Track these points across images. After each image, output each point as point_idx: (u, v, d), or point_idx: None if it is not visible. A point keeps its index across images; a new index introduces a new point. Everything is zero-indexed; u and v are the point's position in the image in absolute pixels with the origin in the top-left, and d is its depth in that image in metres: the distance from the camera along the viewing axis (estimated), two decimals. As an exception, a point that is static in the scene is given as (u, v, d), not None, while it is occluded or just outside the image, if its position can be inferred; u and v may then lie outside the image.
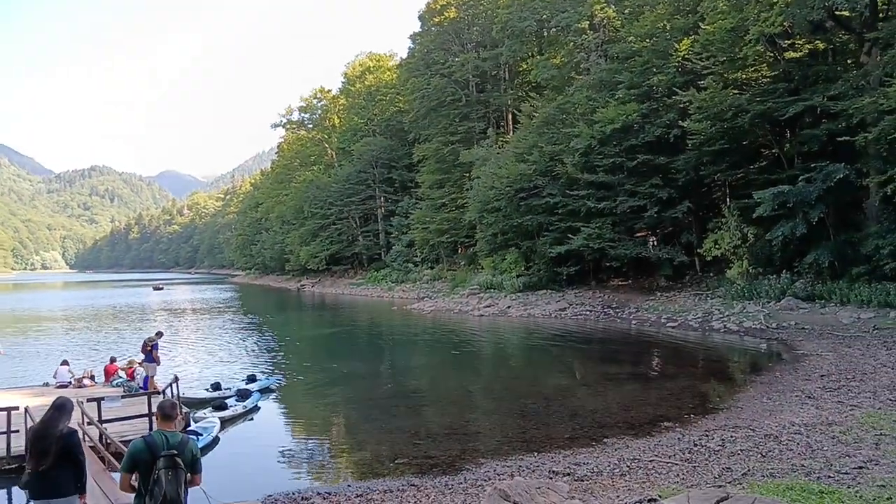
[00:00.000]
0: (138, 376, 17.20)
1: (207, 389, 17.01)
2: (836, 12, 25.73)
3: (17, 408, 11.19)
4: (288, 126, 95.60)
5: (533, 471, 9.78)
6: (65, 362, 18.12)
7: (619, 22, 39.48)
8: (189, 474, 5.29)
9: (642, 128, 33.39)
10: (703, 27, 30.09)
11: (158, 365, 16.95)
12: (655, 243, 36.28)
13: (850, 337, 20.76)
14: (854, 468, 7.96)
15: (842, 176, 24.29)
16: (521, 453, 11.05)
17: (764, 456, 9.19)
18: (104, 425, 11.40)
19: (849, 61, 28.73)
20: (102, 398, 12.28)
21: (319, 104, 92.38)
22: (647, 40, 34.77)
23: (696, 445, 10.23)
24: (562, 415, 13.96)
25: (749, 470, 8.50)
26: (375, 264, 70.60)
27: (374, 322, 39.42)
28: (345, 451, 12.55)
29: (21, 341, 30.00)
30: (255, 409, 15.69)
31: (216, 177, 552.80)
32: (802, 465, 8.39)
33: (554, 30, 48.07)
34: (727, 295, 29.16)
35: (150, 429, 10.98)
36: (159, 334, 17.92)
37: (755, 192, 26.95)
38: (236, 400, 15.75)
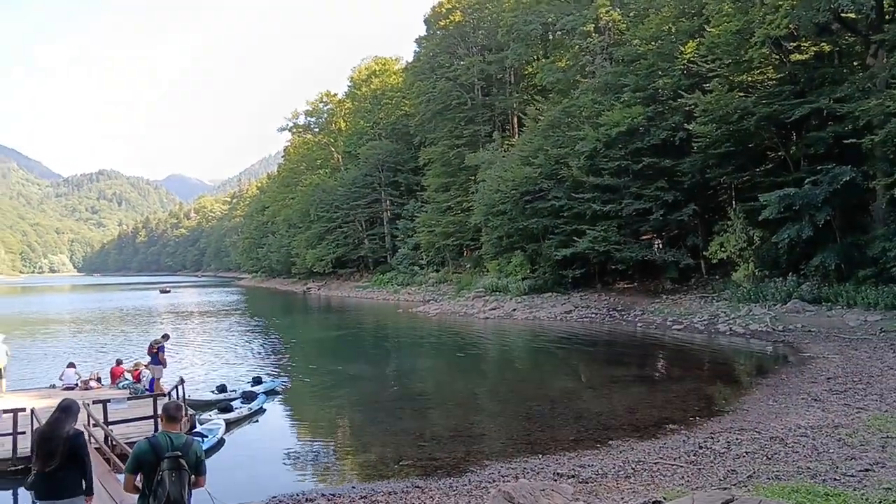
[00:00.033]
0: (144, 378, 17.26)
1: (213, 391, 17.06)
2: (842, 14, 25.64)
3: (23, 409, 11.25)
4: (294, 130, 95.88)
5: (537, 473, 9.77)
6: (71, 364, 18.20)
7: (625, 25, 39.50)
8: (193, 476, 5.30)
9: (648, 131, 33.35)
10: (708, 30, 30.03)
11: (165, 367, 17.00)
12: (661, 246, 36.20)
13: (857, 339, 20.66)
14: (860, 471, 7.92)
15: (848, 178, 24.19)
16: (525, 455, 11.04)
17: (769, 458, 9.15)
18: (110, 427, 11.44)
19: (855, 63, 28.61)
20: (108, 400, 12.31)
21: (326, 108, 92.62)
22: (653, 43, 34.74)
23: (701, 448, 10.20)
24: (567, 417, 13.94)
25: (754, 472, 8.47)
26: (381, 267, 70.69)
27: (379, 325, 39.45)
28: (349, 452, 12.56)
29: (28, 344, 30.13)
30: (261, 411, 15.72)
31: (223, 180, 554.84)
32: (808, 468, 8.35)
33: (559, 33, 48.06)
34: (733, 297, 29.06)
35: (156, 430, 11.02)
36: (165, 337, 17.97)
37: (761, 194, 26.86)
38: (242, 402, 15.78)
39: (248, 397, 16.05)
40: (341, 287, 73.60)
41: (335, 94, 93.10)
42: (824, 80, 27.74)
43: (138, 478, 5.23)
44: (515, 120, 54.97)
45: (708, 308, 29.23)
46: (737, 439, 10.49)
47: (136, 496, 5.28)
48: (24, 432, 10.78)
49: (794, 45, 28.68)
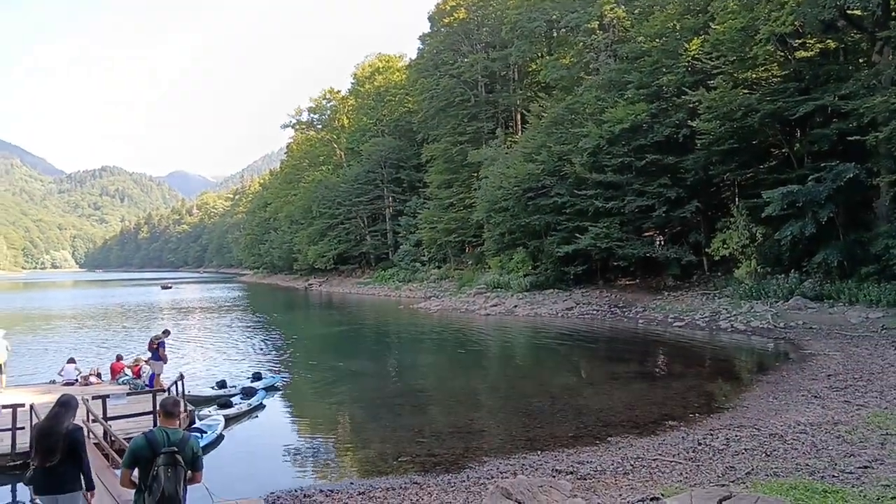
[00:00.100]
0: (144, 374, 17.26)
1: (213, 387, 17.04)
2: (848, 11, 25.53)
3: (22, 405, 11.25)
4: (297, 126, 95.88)
5: (536, 469, 9.75)
6: (71, 360, 18.20)
7: (629, 22, 39.39)
8: (189, 472, 5.29)
9: (651, 127, 33.26)
10: (713, 27, 29.96)
11: (165, 363, 16.97)
12: (663, 243, 36.17)
13: (858, 337, 20.61)
14: (859, 468, 7.89)
15: (852, 175, 24.13)
16: (524, 452, 11.02)
17: (768, 455, 9.12)
18: (109, 422, 11.43)
19: (860, 60, 28.52)
20: (107, 395, 12.31)
21: (329, 105, 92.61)
22: (657, 40, 34.64)
23: (700, 444, 10.18)
24: (567, 413, 13.91)
25: (753, 469, 8.44)
26: (383, 264, 70.73)
27: (380, 321, 39.46)
28: (349, 448, 12.55)
29: (30, 339, 30.18)
30: (261, 406, 15.71)
31: (226, 177, 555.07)
32: (807, 465, 8.32)
33: (563, 30, 48.06)
34: (735, 294, 29.02)
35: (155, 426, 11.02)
36: (166, 332, 17.95)
37: (764, 191, 26.80)
38: (241, 398, 15.76)
39: (247, 393, 16.02)
40: (343, 283, 73.66)
41: (338, 91, 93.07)
42: (829, 77, 27.67)
43: (134, 473, 5.22)
44: (519, 117, 54.92)
45: (710, 305, 29.19)
46: (736, 436, 10.46)
47: (133, 491, 5.28)
48: (23, 427, 10.78)
49: (800, 41, 28.61)
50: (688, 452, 9.79)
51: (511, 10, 50.41)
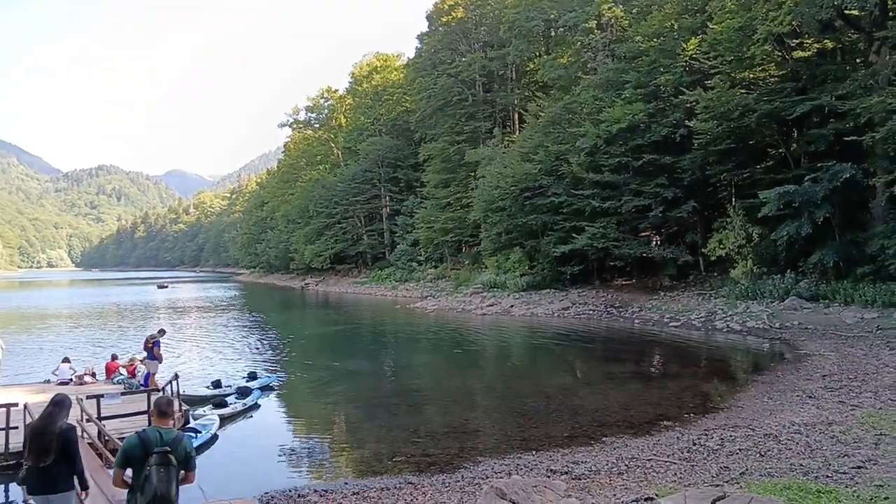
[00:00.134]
0: (139, 373, 17.22)
1: (208, 387, 17.01)
2: (846, 11, 25.58)
3: (16, 404, 11.22)
4: (294, 126, 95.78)
5: (531, 469, 9.74)
6: (66, 359, 18.15)
7: (627, 21, 39.39)
8: (182, 472, 5.28)
9: (648, 127, 33.26)
10: (710, 27, 29.96)
11: (160, 362, 16.94)
12: (659, 243, 36.20)
13: (854, 337, 20.65)
14: (852, 468, 7.90)
15: (848, 175, 24.16)
16: (519, 452, 11.01)
17: (762, 455, 9.12)
18: (103, 422, 11.40)
19: (857, 60, 28.52)
20: (102, 395, 12.28)
21: (326, 104, 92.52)
22: (655, 40, 34.63)
23: (695, 445, 10.18)
24: (562, 413, 13.91)
25: (747, 469, 8.44)
26: (379, 263, 70.66)
27: (377, 320, 39.43)
28: (344, 448, 12.53)
29: (24, 338, 30.11)
30: (256, 406, 15.67)
31: (222, 176, 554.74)
32: (801, 465, 8.32)
33: (561, 29, 48.06)
34: (731, 294, 29.05)
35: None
36: (162, 332, 17.89)
37: (761, 191, 26.82)
38: (236, 397, 15.73)
39: (242, 393, 15.99)
40: (339, 283, 73.61)
41: (336, 90, 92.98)
42: (826, 77, 27.69)
43: (127, 472, 5.21)
44: (516, 116, 54.89)
45: (706, 305, 29.22)
46: (731, 436, 10.47)
47: (126, 491, 5.26)
48: (16, 427, 10.75)
49: (797, 41, 28.64)
50: (682, 452, 9.79)
51: (509, 10, 50.38)
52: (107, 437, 10.75)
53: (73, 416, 9.51)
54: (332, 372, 20.64)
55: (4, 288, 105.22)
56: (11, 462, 10.39)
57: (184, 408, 13.80)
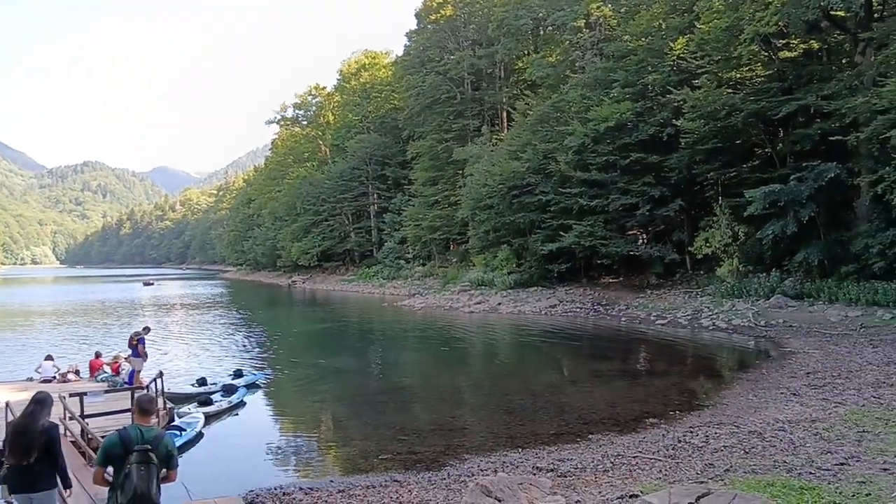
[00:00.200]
0: (123, 371, 17.09)
1: (193, 384, 16.89)
2: (832, 12, 25.76)
3: (-3, 402, 11.08)
4: (282, 122, 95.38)
5: (517, 467, 9.75)
6: (49, 357, 17.97)
7: (615, 21, 39.51)
8: (164, 470, 5.22)
9: (636, 126, 33.36)
10: (698, 26, 30.11)
11: (145, 360, 16.82)
12: (646, 241, 36.34)
13: (838, 335, 20.82)
14: (835, 465, 7.95)
15: (833, 175, 24.37)
16: (505, 449, 11.02)
17: (747, 452, 9.17)
18: (87, 420, 11.29)
19: (843, 61, 28.79)
20: (85, 393, 12.16)
21: (314, 101, 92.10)
22: (643, 39, 34.78)
23: (679, 442, 10.22)
24: (548, 411, 13.94)
25: (731, 466, 8.48)
26: (367, 261, 70.47)
27: (364, 318, 39.36)
28: (330, 446, 12.50)
29: (7, 336, 29.81)
30: (241, 404, 15.58)
31: (209, 173, 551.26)
32: (784, 462, 8.37)
33: (550, 28, 48.12)
34: (717, 293, 29.21)
35: (133, 423, 10.87)
36: (146, 329, 17.77)
37: (747, 190, 27.00)
38: (222, 395, 15.62)
39: (228, 390, 15.90)
40: (326, 280, 73.35)
41: (324, 88, 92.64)
42: (812, 78, 27.91)
43: (109, 470, 5.15)
44: (504, 114, 54.86)
45: (692, 303, 29.37)
46: (715, 433, 10.52)
47: (107, 489, 5.20)
48: (-2, 425, 10.62)
49: (784, 42, 28.86)
50: (668, 450, 9.83)
51: (498, 8, 50.41)
52: (90, 435, 10.64)
53: (56, 414, 9.43)
54: (319, 370, 20.59)
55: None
56: (-8, 461, 10.25)
57: (168, 406, 13.70)
